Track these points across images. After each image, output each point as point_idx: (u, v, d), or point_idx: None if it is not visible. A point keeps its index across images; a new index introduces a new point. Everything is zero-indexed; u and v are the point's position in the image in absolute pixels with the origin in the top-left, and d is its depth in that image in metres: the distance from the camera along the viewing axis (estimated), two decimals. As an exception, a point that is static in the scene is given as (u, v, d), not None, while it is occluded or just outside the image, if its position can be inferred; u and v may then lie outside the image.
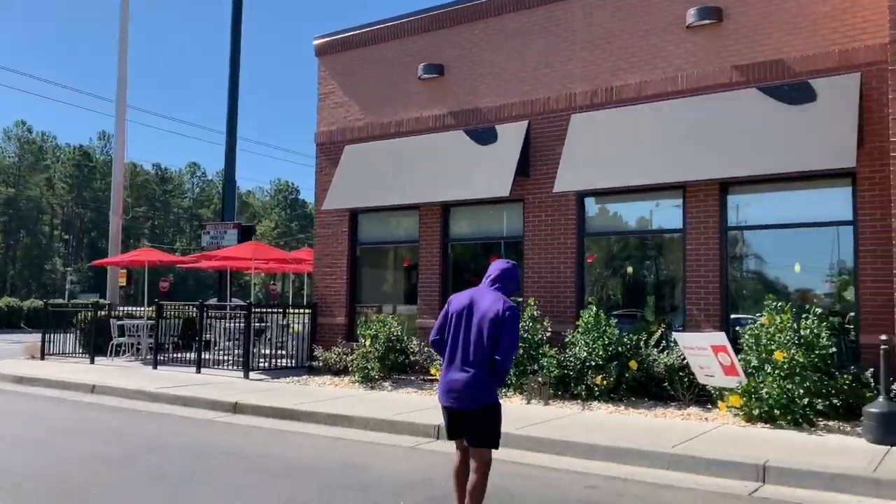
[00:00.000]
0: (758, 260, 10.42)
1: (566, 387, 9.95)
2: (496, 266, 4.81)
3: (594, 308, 10.07)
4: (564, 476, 6.52)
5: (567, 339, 10.24)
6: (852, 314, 9.25)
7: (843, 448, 6.94)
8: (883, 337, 7.25)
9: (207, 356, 14.04)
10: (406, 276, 13.50)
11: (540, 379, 9.78)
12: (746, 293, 10.27)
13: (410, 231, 13.29)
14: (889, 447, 6.94)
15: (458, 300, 4.76)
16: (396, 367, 11.75)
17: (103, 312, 16.89)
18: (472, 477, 4.57)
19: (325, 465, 6.86)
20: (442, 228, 12.78)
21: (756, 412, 8.15)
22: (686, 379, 9.40)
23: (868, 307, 9.00)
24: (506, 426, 7.90)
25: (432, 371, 11.07)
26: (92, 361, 15.32)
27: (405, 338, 11.96)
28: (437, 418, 8.48)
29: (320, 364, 12.93)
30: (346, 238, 13.92)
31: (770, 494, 5.92)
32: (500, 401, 4.82)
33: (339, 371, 12.64)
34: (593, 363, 9.67)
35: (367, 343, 11.61)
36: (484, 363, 4.52)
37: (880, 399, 7.20)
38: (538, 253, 11.62)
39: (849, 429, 7.93)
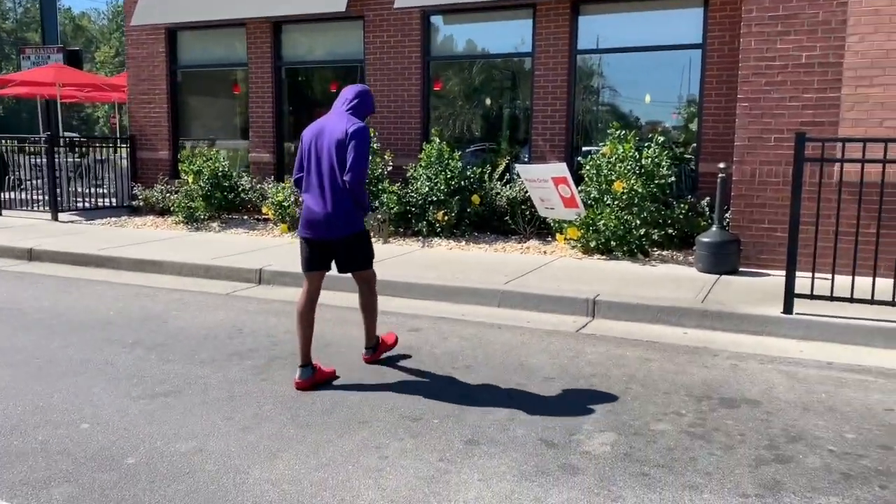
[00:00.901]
0: (610, 90, 9.92)
1: (407, 224, 9.38)
2: (350, 89, 4.48)
3: (438, 140, 9.34)
4: (391, 319, 6.02)
5: (409, 174, 9.54)
6: (695, 145, 9.08)
7: (674, 279, 6.86)
8: (721, 165, 7.03)
9: (16, 196, 12.33)
10: (239, 105, 12.09)
11: (379, 216, 9.13)
12: (601, 124, 9.84)
13: (239, 52, 11.74)
14: (718, 276, 6.92)
15: (310, 130, 4.45)
16: (226, 205, 10.71)
17: None
18: (361, 298, 4.69)
19: (120, 320, 5.98)
20: (273, 49, 11.33)
21: (593, 244, 7.96)
22: (528, 212, 9.06)
23: (709, 135, 8.82)
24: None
25: (264, 210, 10.14)
26: None
27: (234, 174, 10.83)
28: (263, 261, 7.72)
29: (142, 203, 11.62)
30: (164, 60, 12.15)
31: (595, 330, 5.70)
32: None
33: (164, 211, 11.44)
34: (435, 198, 9.09)
35: (191, 180, 10.42)
36: (339, 189, 4.29)
37: (713, 228, 7.10)
38: (380, 79, 10.57)
39: (681, 258, 7.92)
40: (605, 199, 7.96)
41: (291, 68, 11.50)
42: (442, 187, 9.04)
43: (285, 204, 9.75)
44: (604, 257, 7.97)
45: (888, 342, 5.10)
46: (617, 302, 5.97)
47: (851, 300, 5.27)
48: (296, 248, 8.65)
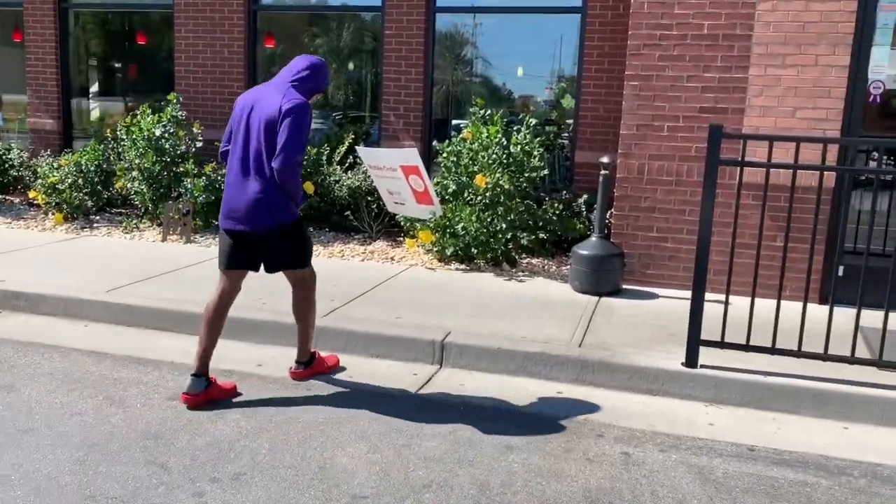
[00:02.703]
0: (478, 59, 8.34)
1: (220, 216, 7.46)
2: (301, 59, 3.84)
3: (259, 110, 7.42)
4: (149, 377, 4.19)
5: (224, 152, 7.58)
6: (570, 121, 7.71)
7: (546, 302, 5.42)
8: (604, 159, 5.63)
9: None
10: (23, 57, 9.55)
11: (181, 206, 7.13)
12: (471, 96, 8.25)
13: (13, -11, 9.20)
14: (598, 298, 5.56)
15: (243, 99, 3.81)
16: (-10, 186, 8.31)
17: None
18: (293, 304, 4.02)
19: None
20: (55, -13, 8.92)
21: (450, 250, 6.40)
22: (375, 206, 7.38)
23: (588, 118, 7.47)
24: (100, 283, 5.36)
25: (31, 194, 7.84)
26: None
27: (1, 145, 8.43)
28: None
29: None
30: (-89, -7, 9.40)
31: (443, 386, 4.13)
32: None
33: None
34: (256, 184, 7.20)
35: (-68, 152, 7.94)
36: (265, 176, 3.65)
37: (592, 238, 5.71)
38: (193, 30, 8.48)
39: (554, 268, 6.52)
40: (466, 194, 6.42)
41: (81, 11, 9.12)
42: (264, 172, 7.16)
43: (61, 187, 7.53)
44: (463, 266, 6.45)
45: (819, 409, 3.86)
46: (472, 345, 4.43)
47: (773, 350, 4.00)
48: (64, 251, 6.53)
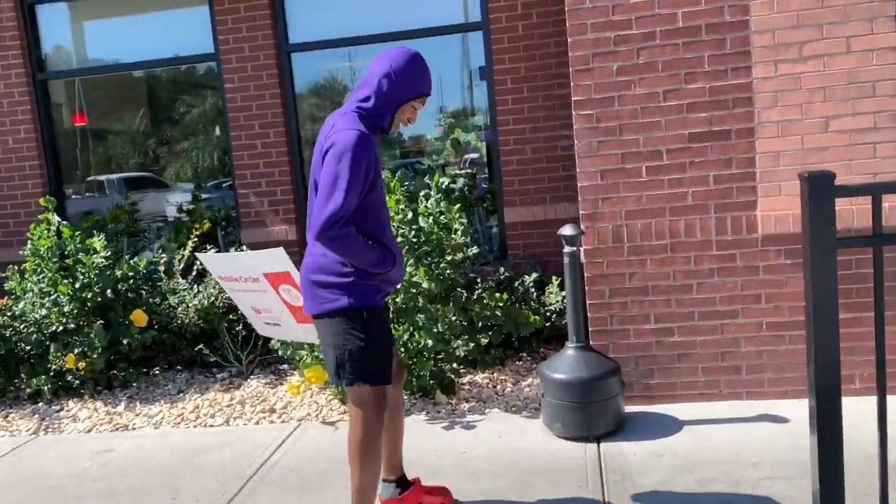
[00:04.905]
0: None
1: (13, 379, 5.09)
2: (378, 61, 2.73)
3: (52, 217, 5.16)
4: None
5: (10, 285, 5.23)
6: (492, 181, 5.85)
7: (520, 476, 3.40)
8: (567, 230, 3.70)
9: None
10: None
11: (-57, 379, 4.74)
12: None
13: None
14: (597, 447, 3.58)
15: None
16: None
17: None
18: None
19: None
20: None
21: (356, 389, 4.31)
22: (241, 327, 5.21)
23: (513, 165, 5.62)
24: None
25: None
26: None
27: None
28: None
29: None
30: None
31: None
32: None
33: None
34: (61, 327, 4.92)
35: None
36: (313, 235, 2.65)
37: (569, 350, 3.75)
38: (-43, 117, 6.14)
39: (510, 387, 4.52)
40: (365, 302, 4.37)
41: None
42: (67, 307, 4.88)
43: None
44: (377, 407, 4.36)
45: None
46: None
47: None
48: None
